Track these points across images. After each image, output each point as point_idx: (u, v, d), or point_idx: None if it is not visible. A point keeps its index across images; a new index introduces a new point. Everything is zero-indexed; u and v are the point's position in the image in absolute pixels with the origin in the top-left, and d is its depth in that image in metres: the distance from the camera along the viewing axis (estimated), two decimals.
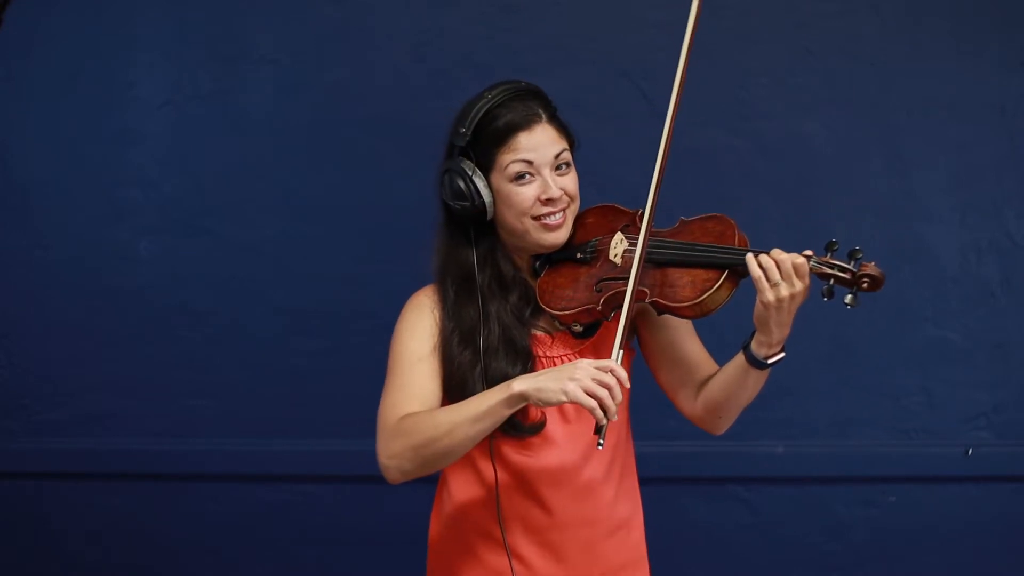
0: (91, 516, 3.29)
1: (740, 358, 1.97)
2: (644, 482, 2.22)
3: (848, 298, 1.87)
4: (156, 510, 3.29)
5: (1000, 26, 3.15)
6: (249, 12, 3.20)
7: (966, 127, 3.16)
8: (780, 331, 1.91)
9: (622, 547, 2.12)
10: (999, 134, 3.16)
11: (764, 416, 3.12)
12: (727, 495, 3.25)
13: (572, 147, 2.09)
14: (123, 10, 3.20)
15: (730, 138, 3.18)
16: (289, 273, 3.22)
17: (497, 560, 2.07)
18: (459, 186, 2.03)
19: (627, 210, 2.12)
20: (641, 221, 2.01)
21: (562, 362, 2.05)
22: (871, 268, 1.87)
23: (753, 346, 1.94)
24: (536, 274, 2.11)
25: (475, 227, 2.08)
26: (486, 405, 1.88)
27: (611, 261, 2.04)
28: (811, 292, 1.89)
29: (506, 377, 1.97)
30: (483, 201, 2.03)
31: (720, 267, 1.94)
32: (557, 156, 2.04)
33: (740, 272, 1.94)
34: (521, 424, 2.03)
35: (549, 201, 2.03)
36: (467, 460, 2.06)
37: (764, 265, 1.87)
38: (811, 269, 1.88)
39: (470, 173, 2.03)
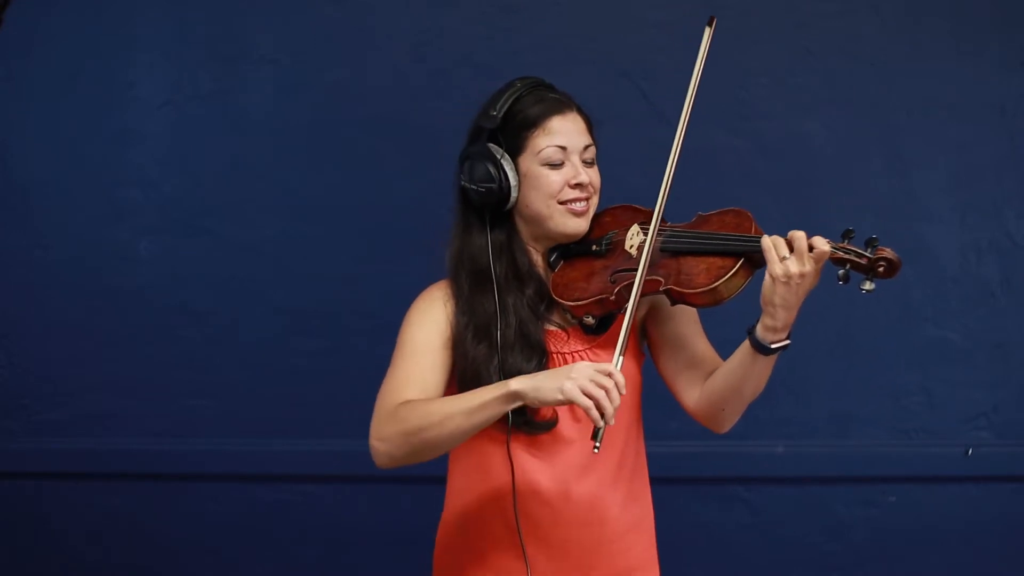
0: (91, 516, 3.29)
1: (745, 345, 1.96)
2: None
3: (865, 284, 1.87)
4: (156, 510, 3.29)
5: (1000, 26, 3.15)
6: (249, 12, 3.20)
7: (966, 127, 3.16)
8: (786, 313, 1.89)
9: (632, 549, 2.11)
10: (999, 134, 3.16)
11: (764, 416, 3.12)
12: (727, 495, 3.25)
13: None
14: (123, 10, 3.20)
15: (730, 138, 3.18)
16: (289, 273, 3.22)
17: (507, 560, 2.06)
18: (485, 169, 2.03)
19: (644, 209, 2.13)
20: (652, 223, 2.02)
21: (576, 358, 2.05)
22: (887, 252, 1.88)
23: (758, 330, 1.93)
24: (551, 268, 2.11)
25: (492, 215, 2.07)
26: (480, 400, 1.88)
27: (626, 252, 2.05)
28: (827, 279, 1.89)
29: (521, 372, 1.96)
30: (509, 184, 2.03)
31: (735, 254, 1.95)
32: (586, 148, 2.06)
33: (755, 261, 1.95)
34: (533, 420, 2.02)
35: (578, 186, 2.04)
36: (479, 459, 2.06)
37: (774, 240, 1.89)
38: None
39: (498, 156, 2.03)
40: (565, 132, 2.04)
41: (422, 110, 3.17)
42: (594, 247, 2.08)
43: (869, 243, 1.88)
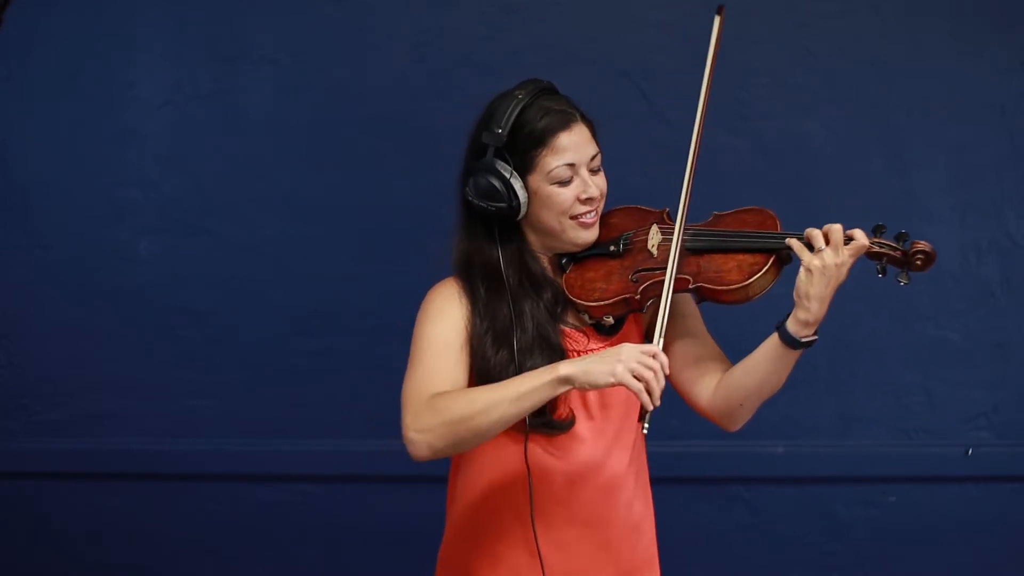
0: (91, 516, 3.29)
1: (773, 339, 1.97)
2: None
3: (902, 278, 1.92)
4: (156, 510, 3.29)
5: (1000, 26, 3.15)
6: (249, 12, 3.20)
7: (966, 127, 3.16)
8: (819, 306, 1.91)
9: (636, 548, 2.12)
10: (999, 134, 3.16)
11: (764, 416, 3.09)
12: (727, 495, 3.25)
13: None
14: (123, 10, 3.20)
15: (730, 138, 3.18)
16: (289, 273, 3.22)
17: (520, 558, 2.06)
18: (493, 187, 2.01)
19: (654, 210, 2.13)
20: (669, 218, 2.03)
21: None
22: (923, 245, 1.92)
23: (789, 324, 1.94)
24: (562, 270, 2.11)
25: (500, 227, 2.07)
26: (529, 385, 1.87)
27: (647, 251, 2.05)
28: (864, 272, 1.92)
29: None
30: (519, 202, 2.02)
31: (767, 251, 1.97)
32: (593, 158, 2.05)
33: (784, 258, 1.98)
34: (554, 421, 2.02)
35: (588, 200, 2.04)
36: (492, 457, 2.06)
37: (810, 232, 1.93)
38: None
39: (507, 175, 2.01)
40: (572, 147, 2.02)
41: (422, 110, 3.17)
42: (611, 247, 2.08)
43: (900, 237, 1.93)
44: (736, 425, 2.10)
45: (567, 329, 2.08)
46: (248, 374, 3.24)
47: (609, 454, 2.07)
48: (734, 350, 2.10)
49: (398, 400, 3.23)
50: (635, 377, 1.81)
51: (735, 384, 2.04)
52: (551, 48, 3.13)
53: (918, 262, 1.92)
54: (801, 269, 1.92)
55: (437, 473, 3.06)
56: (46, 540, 3.31)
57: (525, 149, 2.02)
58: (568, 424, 2.04)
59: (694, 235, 2.03)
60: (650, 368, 1.82)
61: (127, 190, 3.23)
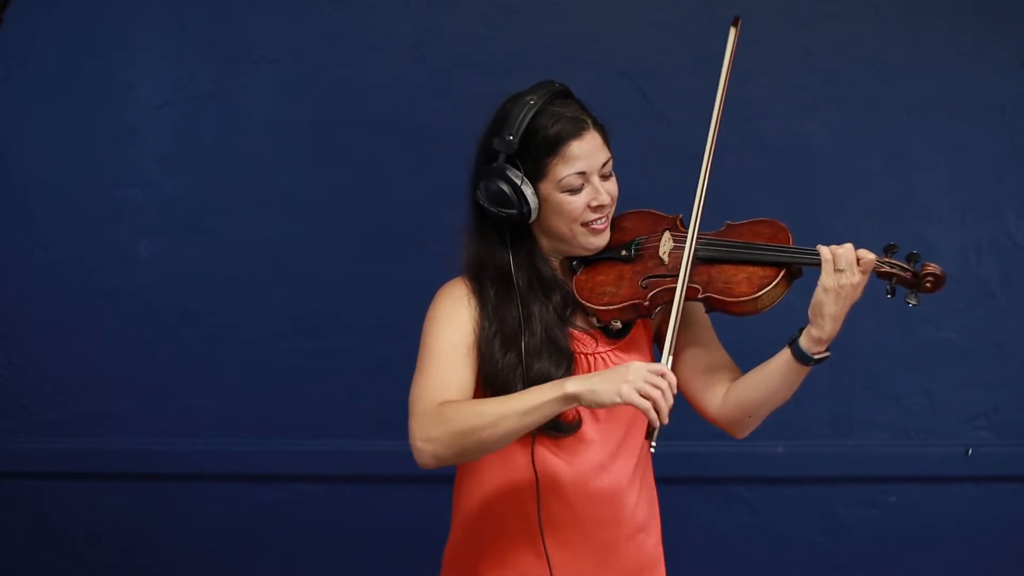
0: (91, 516, 3.29)
1: (785, 354, 1.98)
2: None
3: (911, 298, 1.95)
4: (156, 510, 3.29)
5: (1000, 26, 3.15)
6: (249, 12, 3.20)
7: (966, 127, 3.16)
8: (833, 325, 1.94)
9: (641, 549, 2.12)
10: (999, 134, 3.16)
11: None
12: (727, 495, 3.25)
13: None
14: (123, 10, 3.20)
15: (730, 138, 3.17)
16: (289, 273, 3.22)
17: (527, 560, 2.07)
18: (504, 193, 2.01)
19: (665, 215, 2.13)
20: (683, 225, 2.03)
21: (600, 359, 2.06)
22: (933, 267, 1.95)
23: (803, 340, 1.96)
24: (572, 272, 2.11)
25: (511, 230, 2.07)
26: (537, 401, 1.87)
27: (659, 258, 2.05)
28: (874, 292, 1.94)
29: (549, 378, 1.97)
30: (530, 208, 2.02)
31: (777, 265, 1.98)
32: (604, 164, 2.04)
33: (794, 272, 1.99)
34: (561, 424, 2.03)
35: (598, 208, 2.04)
36: (499, 459, 2.06)
37: (834, 252, 1.93)
38: (874, 267, 1.93)
39: (519, 182, 2.01)
40: (584, 156, 2.02)
41: (422, 110, 3.17)
42: (623, 252, 2.08)
43: (911, 258, 1.95)
44: (744, 432, 2.11)
45: (575, 332, 2.08)
46: (248, 374, 3.24)
47: (615, 456, 2.07)
48: (743, 358, 2.11)
49: (398, 400, 3.22)
50: (642, 396, 1.81)
51: (745, 395, 2.05)
52: (551, 48, 3.13)
53: (928, 284, 1.94)
54: (818, 287, 1.93)
55: (437, 474, 3.05)
56: (46, 540, 3.31)
57: (536, 156, 2.01)
58: (575, 426, 2.04)
59: (706, 244, 2.03)
60: (657, 387, 1.82)
61: (127, 190, 3.23)
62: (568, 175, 2.01)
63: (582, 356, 2.06)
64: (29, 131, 3.23)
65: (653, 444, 1.86)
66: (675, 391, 1.85)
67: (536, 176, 2.02)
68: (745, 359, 2.11)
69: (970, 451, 3.19)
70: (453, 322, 2.04)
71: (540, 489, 2.04)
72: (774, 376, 2.01)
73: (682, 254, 1.99)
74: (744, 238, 2.04)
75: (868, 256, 1.93)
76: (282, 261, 3.22)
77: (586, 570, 2.07)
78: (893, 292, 1.97)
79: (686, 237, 2.00)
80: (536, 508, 2.04)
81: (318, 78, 3.19)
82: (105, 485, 3.27)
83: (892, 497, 3.23)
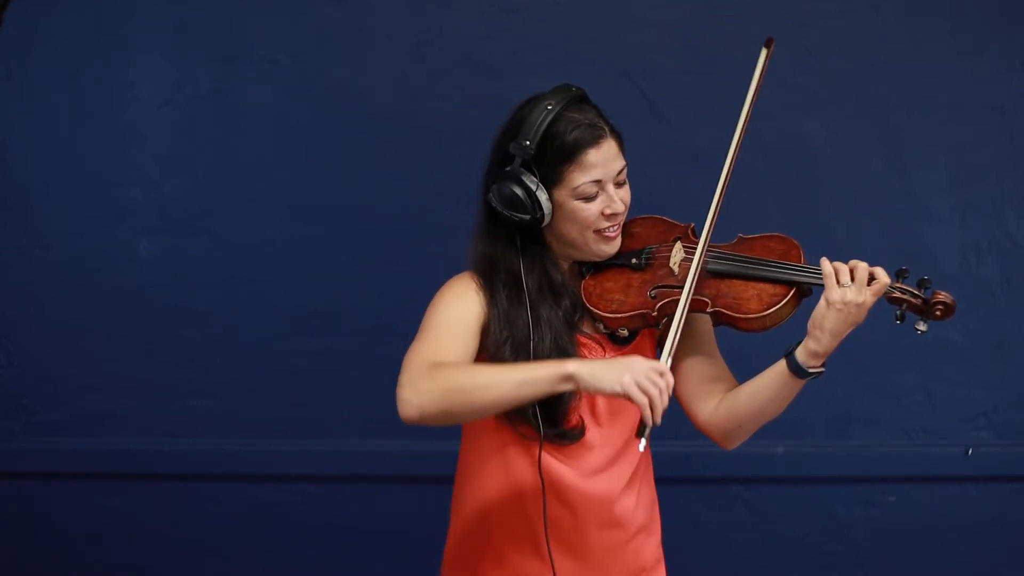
0: (91, 516, 3.29)
1: (780, 366, 1.98)
2: None
3: (920, 324, 1.93)
4: (156, 510, 3.29)
5: (1000, 26, 3.15)
6: (249, 12, 3.19)
7: (966, 127, 3.16)
8: (831, 340, 1.93)
9: (644, 550, 2.13)
10: (999, 134, 3.16)
11: None
12: (727, 495, 3.25)
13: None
14: (123, 10, 3.20)
15: (730, 138, 3.17)
16: (289, 273, 3.22)
17: (529, 563, 2.07)
18: (518, 197, 2.01)
19: (677, 223, 2.13)
20: (694, 235, 2.03)
21: None
22: (944, 296, 1.93)
23: (799, 353, 1.95)
24: (581, 276, 2.11)
25: (522, 234, 2.07)
26: (534, 374, 1.86)
27: (669, 268, 2.06)
28: (880, 319, 1.94)
29: None
30: (543, 214, 2.02)
31: (787, 283, 1.98)
32: (619, 172, 2.05)
33: (804, 291, 1.99)
34: (565, 431, 2.03)
35: (612, 216, 2.04)
36: (501, 461, 2.06)
37: (837, 266, 1.92)
38: (884, 292, 1.92)
39: (534, 188, 2.00)
40: (601, 164, 2.02)
41: (422, 110, 3.17)
42: (633, 260, 2.08)
43: (921, 283, 1.94)
44: (732, 444, 2.11)
45: (582, 338, 2.08)
46: (248, 374, 3.24)
47: (616, 461, 2.08)
48: (744, 371, 2.10)
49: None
50: (641, 390, 1.81)
51: (736, 405, 2.05)
52: (551, 48, 3.13)
53: (937, 312, 1.93)
54: (821, 300, 1.92)
55: (437, 473, 3.06)
56: (46, 540, 3.31)
57: (553, 163, 2.01)
58: (579, 434, 2.05)
59: (717, 257, 2.03)
60: (656, 385, 1.82)
61: (127, 190, 3.23)
62: (584, 183, 2.01)
63: None
64: (29, 131, 3.23)
65: (643, 442, 1.86)
66: (671, 393, 1.85)
67: (551, 182, 2.02)
68: (749, 374, 2.10)
69: (970, 451, 3.19)
70: (461, 304, 2.04)
71: (543, 491, 2.04)
72: (767, 387, 2.01)
73: (691, 266, 1.99)
74: (755, 253, 2.03)
75: (883, 279, 1.91)
76: (282, 261, 3.22)
77: (587, 572, 2.07)
78: (903, 319, 1.96)
79: (697, 249, 2.00)
80: (539, 510, 2.04)
81: (318, 78, 3.19)
82: (105, 485, 3.27)
83: (892, 497, 3.23)
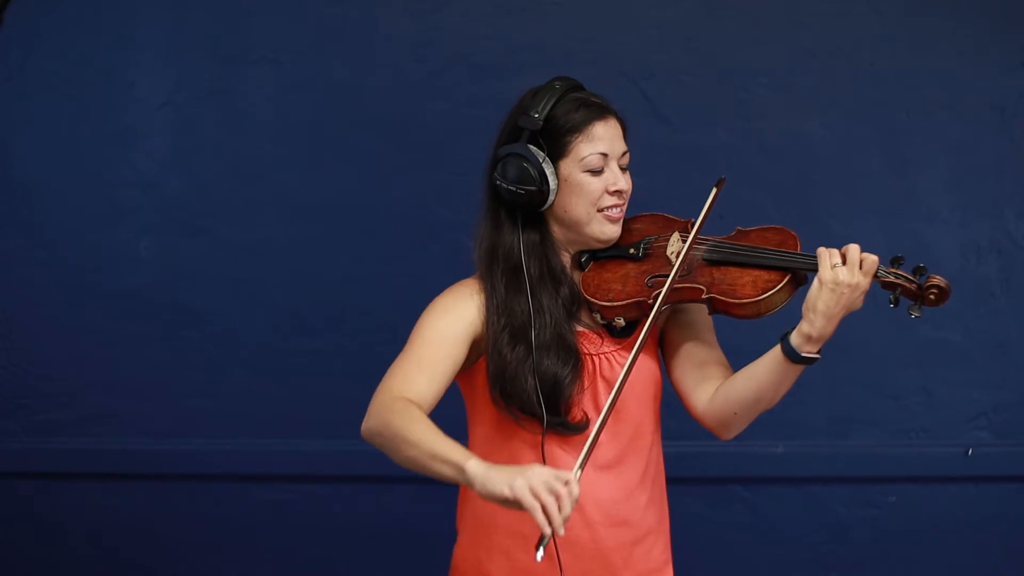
0: (91, 516, 3.29)
1: (775, 351, 1.98)
2: None
3: (915, 310, 1.95)
4: (156, 510, 3.29)
5: (1000, 26, 3.15)
6: (249, 12, 3.20)
7: (966, 127, 3.16)
8: (825, 322, 1.92)
9: (652, 550, 2.12)
10: (999, 134, 3.16)
11: (764, 416, 3.09)
12: (727, 495, 3.25)
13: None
14: (123, 10, 3.20)
15: (730, 138, 3.18)
16: (289, 273, 3.22)
17: (531, 559, 2.06)
18: (525, 170, 2.02)
19: (678, 219, 2.14)
20: (693, 229, 2.04)
21: (605, 359, 2.07)
22: (938, 280, 1.94)
23: (793, 336, 1.95)
24: (581, 268, 2.11)
25: (525, 216, 2.07)
26: (444, 454, 1.84)
27: (667, 258, 2.06)
28: (875, 293, 1.93)
29: (556, 377, 1.99)
30: (549, 188, 2.03)
31: (782, 269, 1.98)
32: (623, 154, 2.08)
33: (800, 278, 1.99)
34: (568, 422, 2.03)
35: (616, 193, 2.06)
36: (504, 457, 2.05)
37: (830, 249, 1.93)
38: (878, 276, 1.93)
39: (540, 159, 2.02)
40: (607, 138, 2.04)
41: (422, 110, 3.17)
42: (631, 251, 2.09)
43: (917, 270, 1.94)
44: (730, 433, 2.10)
45: (582, 329, 2.08)
46: (248, 374, 3.24)
47: (623, 458, 2.07)
48: (741, 365, 2.10)
49: None
50: (533, 495, 1.73)
51: (732, 392, 2.05)
52: (551, 48, 3.13)
53: (932, 296, 1.94)
54: (814, 281, 1.93)
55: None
56: (46, 540, 3.31)
57: (560, 135, 2.03)
58: (582, 427, 2.04)
59: (713, 247, 2.04)
60: (554, 493, 1.73)
61: (127, 190, 3.23)
62: (591, 154, 2.03)
63: (588, 356, 2.06)
64: (29, 131, 3.23)
65: (540, 552, 1.75)
66: (573, 503, 1.75)
67: (557, 155, 2.03)
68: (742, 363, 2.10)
69: (970, 451, 3.19)
70: (450, 314, 2.04)
71: None
72: (763, 373, 2.00)
73: (689, 255, 2.00)
74: (752, 243, 2.05)
75: (871, 257, 1.92)
76: (282, 261, 3.22)
77: (595, 571, 2.07)
78: (897, 303, 1.96)
79: (690, 236, 2.01)
80: None
81: (318, 78, 3.19)
82: (105, 485, 3.28)
83: (892, 497, 3.23)
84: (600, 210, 2.05)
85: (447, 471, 1.84)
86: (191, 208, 3.23)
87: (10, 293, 3.25)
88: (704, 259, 2.03)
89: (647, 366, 2.09)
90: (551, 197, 2.04)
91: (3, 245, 3.24)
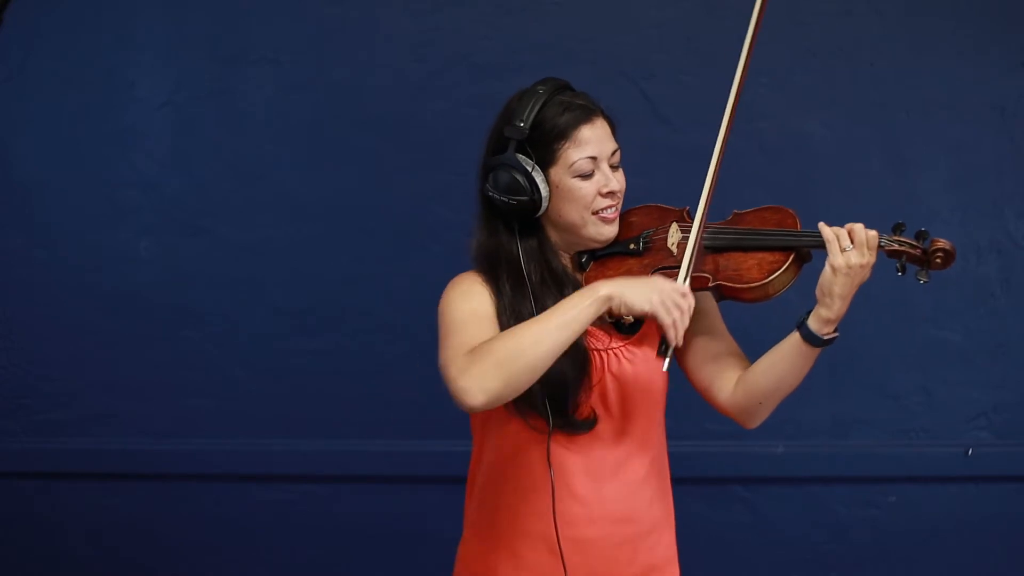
0: (91, 516, 3.29)
1: (794, 337, 1.98)
2: None
3: (922, 276, 1.96)
4: (156, 510, 3.29)
5: (1000, 26, 3.15)
6: (249, 12, 3.20)
7: (966, 127, 3.16)
8: (842, 304, 1.94)
9: (657, 547, 2.12)
10: (999, 134, 3.16)
11: None
12: (727, 495, 3.25)
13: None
14: (123, 10, 3.20)
15: (730, 138, 3.17)
16: (289, 273, 3.22)
17: (539, 556, 2.06)
18: (515, 180, 2.01)
19: (673, 208, 2.14)
20: (689, 216, 2.05)
21: (614, 355, 2.06)
22: (943, 243, 1.95)
23: (811, 321, 1.96)
24: (582, 268, 2.11)
25: (520, 223, 2.07)
26: (574, 310, 1.88)
27: (667, 249, 2.06)
28: (883, 271, 1.95)
29: (565, 377, 1.98)
30: (540, 196, 2.03)
31: (786, 249, 1.99)
32: (613, 153, 2.07)
33: (804, 256, 2.00)
34: (576, 420, 2.03)
35: (609, 194, 2.05)
36: (513, 456, 2.05)
37: (836, 231, 1.96)
38: (882, 246, 1.95)
39: (529, 168, 2.02)
40: (595, 141, 2.03)
41: (422, 110, 3.17)
42: (631, 246, 2.09)
43: (920, 235, 1.97)
44: (755, 422, 2.10)
45: (588, 327, 2.08)
46: (248, 374, 3.24)
47: (630, 455, 2.07)
48: (754, 347, 2.10)
49: (399, 400, 3.24)
50: (666, 312, 1.88)
51: (755, 382, 2.05)
52: (551, 48, 3.13)
53: (938, 260, 1.94)
54: (826, 267, 1.94)
55: (438, 473, 3.07)
56: (46, 540, 3.31)
57: (547, 142, 2.02)
58: (590, 424, 2.05)
59: (714, 233, 2.04)
60: (679, 307, 1.89)
61: (127, 190, 3.23)
62: (579, 159, 2.02)
63: (596, 352, 2.06)
64: (29, 131, 3.23)
65: (667, 361, 1.91)
66: (689, 316, 1.90)
67: (547, 163, 2.03)
68: (758, 350, 2.10)
69: (970, 451, 3.19)
70: (472, 298, 2.03)
71: (555, 487, 2.04)
72: (783, 360, 2.00)
73: (691, 235, 2.00)
74: (751, 225, 2.04)
75: (872, 233, 1.95)
76: (282, 261, 3.22)
77: (601, 567, 2.07)
78: (904, 270, 1.97)
79: (693, 226, 2.01)
80: (550, 504, 2.04)
81: (318, 78, 3.19)
82: (105, 485, 3.28)
83: (892, 497, 3.23)
84: (594, 212, 2.05)
85: (586, 317, 1.89)
86: (191, 208, 3.23)
87: (10, 293, 3.25)
88: (707, 247, 2.03)
89: (653, 362, 2.08)
90: (544, 204, 2.04)
91: (3, 245, 3.24)
